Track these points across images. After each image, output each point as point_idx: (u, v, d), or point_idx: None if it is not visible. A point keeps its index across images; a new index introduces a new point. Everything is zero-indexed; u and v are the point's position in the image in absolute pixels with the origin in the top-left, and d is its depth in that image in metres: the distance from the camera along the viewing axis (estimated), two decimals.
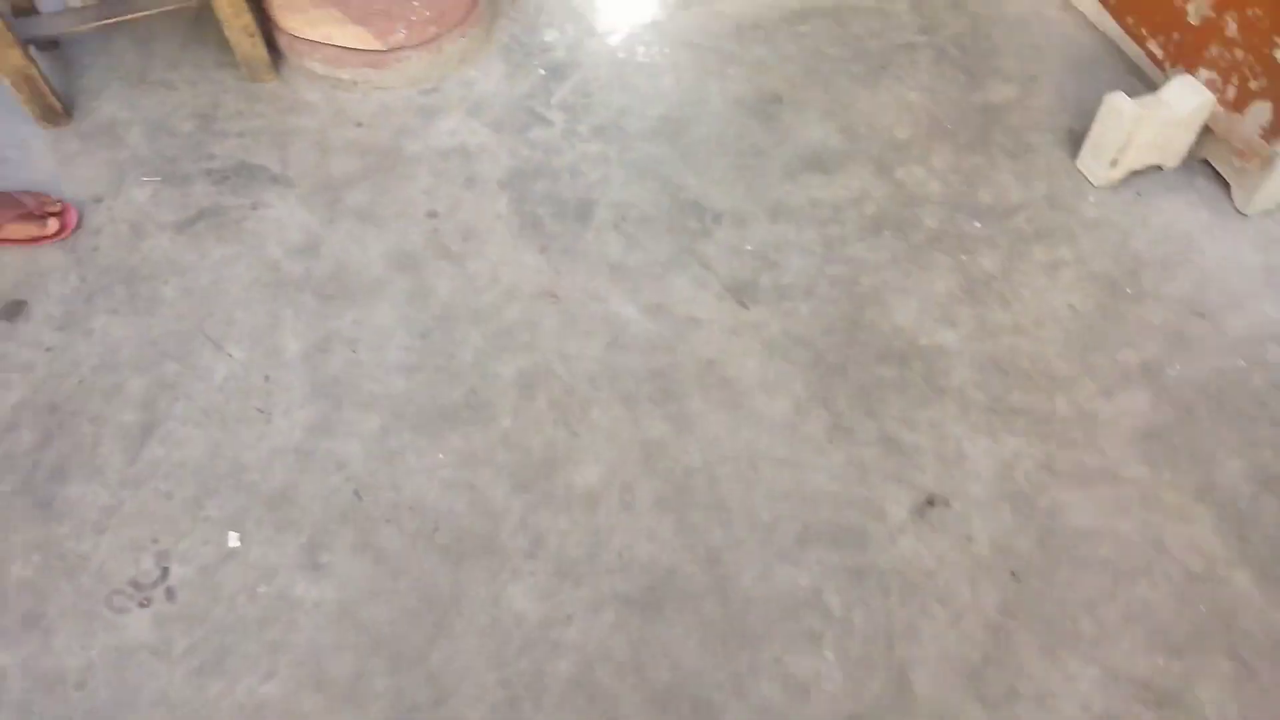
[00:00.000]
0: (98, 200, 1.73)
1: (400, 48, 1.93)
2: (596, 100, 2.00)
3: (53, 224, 1.67)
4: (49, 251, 1.65)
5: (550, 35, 2.11)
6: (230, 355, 1.55)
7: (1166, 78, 1.84)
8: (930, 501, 1.49)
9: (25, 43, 1.79)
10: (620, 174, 1.88)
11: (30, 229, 1.65)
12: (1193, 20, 1.79)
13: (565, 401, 1.55)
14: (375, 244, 1.72)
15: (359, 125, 1.91)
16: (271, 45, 1.98)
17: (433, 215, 1.78)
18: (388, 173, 1.83)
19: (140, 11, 1.82)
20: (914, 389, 1.60)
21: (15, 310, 1.57)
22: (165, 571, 1.32)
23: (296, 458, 1.45)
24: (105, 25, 1.82)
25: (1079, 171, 1.92)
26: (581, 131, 1.94)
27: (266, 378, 1.53)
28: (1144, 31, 1.97)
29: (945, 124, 2.01)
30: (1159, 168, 1.87)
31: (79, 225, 1.70)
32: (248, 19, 1.82)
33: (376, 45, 1.90)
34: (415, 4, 1.92)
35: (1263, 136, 1.72)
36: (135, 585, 1.30)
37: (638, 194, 1.85)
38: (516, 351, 1.60)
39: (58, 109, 1.81)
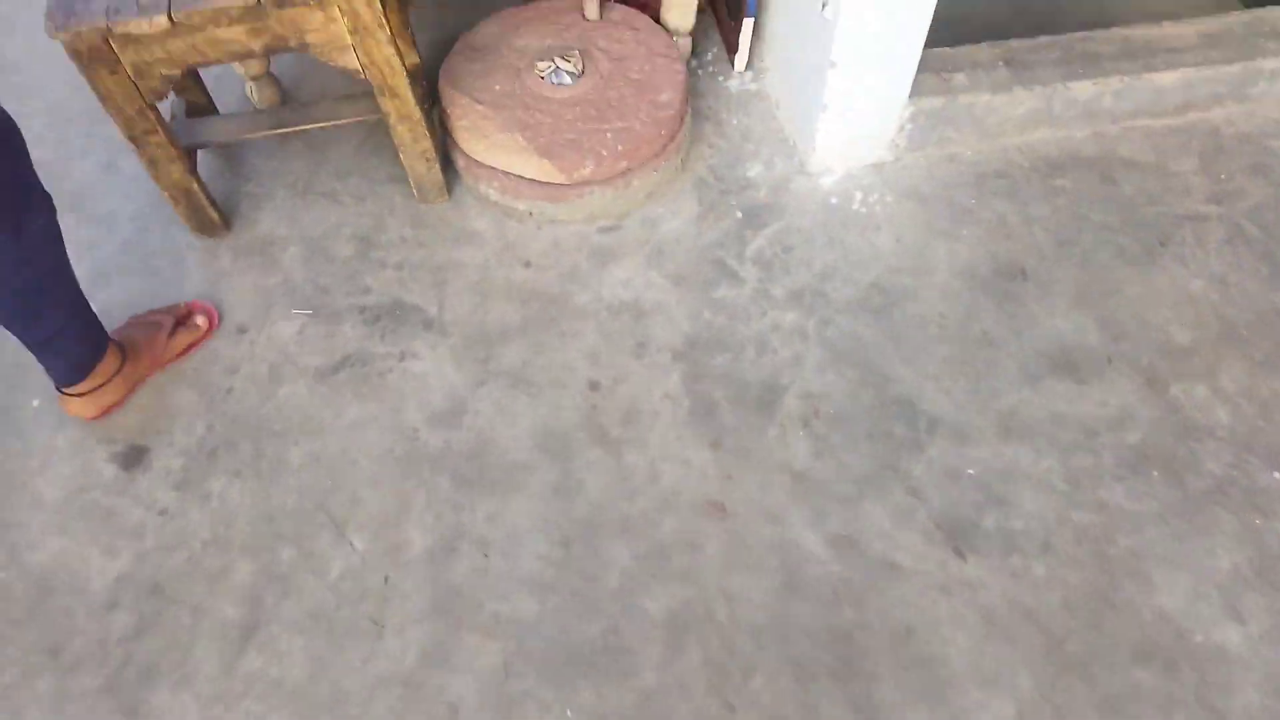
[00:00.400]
0: (242, 331, 1.64)
1: (585, 183, 1.76)
2: (798, 256, 1.76)
3: (200, 321, 1.62)
4: (182, 390, 1.57)
5: (754, 170, 1.90)
6: (351, 545, 1.40)
7: None
8: None
9: (195, 148, 1.75)
10: (816, 354, 1.63)
11: (185, 338, 1.60)
12: None
13: (722, 661, 1.30)
14: (524, 417, 1.54)
15: (526, 265, 1.75)
16: (447, 159, 1.86)
17: (594, 387, 1.59)
18: (550, 327, 1.66)
19: (317, 123, 1.74)
20: (1181, 709, 1.26)
21: (136, 458, 1.49)
22: None
23: (404, 692, 1.27)
24: (279, 134, 1.75)
25: None
26: (776, 295, 1.71)
27: (385, 579, 1.37)
28: None
29: (1239, 329, 1.64)
30: None
31: (221, 318, 1.64)
32: (427, 145, 1.70)
33: (559, 179, 1.74)
34: (608, 136, 1.75)
35: None
36: None
37: (835, 383, 1.59)
38: (670, 581, 1.37)
39: (215, 221, 1.75)
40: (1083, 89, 1.86)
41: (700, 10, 1.98)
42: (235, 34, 1.42)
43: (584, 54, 1.87)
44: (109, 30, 1.36)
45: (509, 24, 1.93)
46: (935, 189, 1.86)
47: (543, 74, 1.83)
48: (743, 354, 1.63)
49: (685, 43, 2.05)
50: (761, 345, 1.64)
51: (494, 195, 1.81)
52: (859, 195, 1.85)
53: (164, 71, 1.45)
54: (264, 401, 1.56)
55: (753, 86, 2.04)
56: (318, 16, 1.43)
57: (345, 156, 1.91)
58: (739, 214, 1.83)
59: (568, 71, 1.83)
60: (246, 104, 1.97)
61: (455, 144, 1.82)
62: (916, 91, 1.78)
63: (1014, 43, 1.89)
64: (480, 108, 1.78)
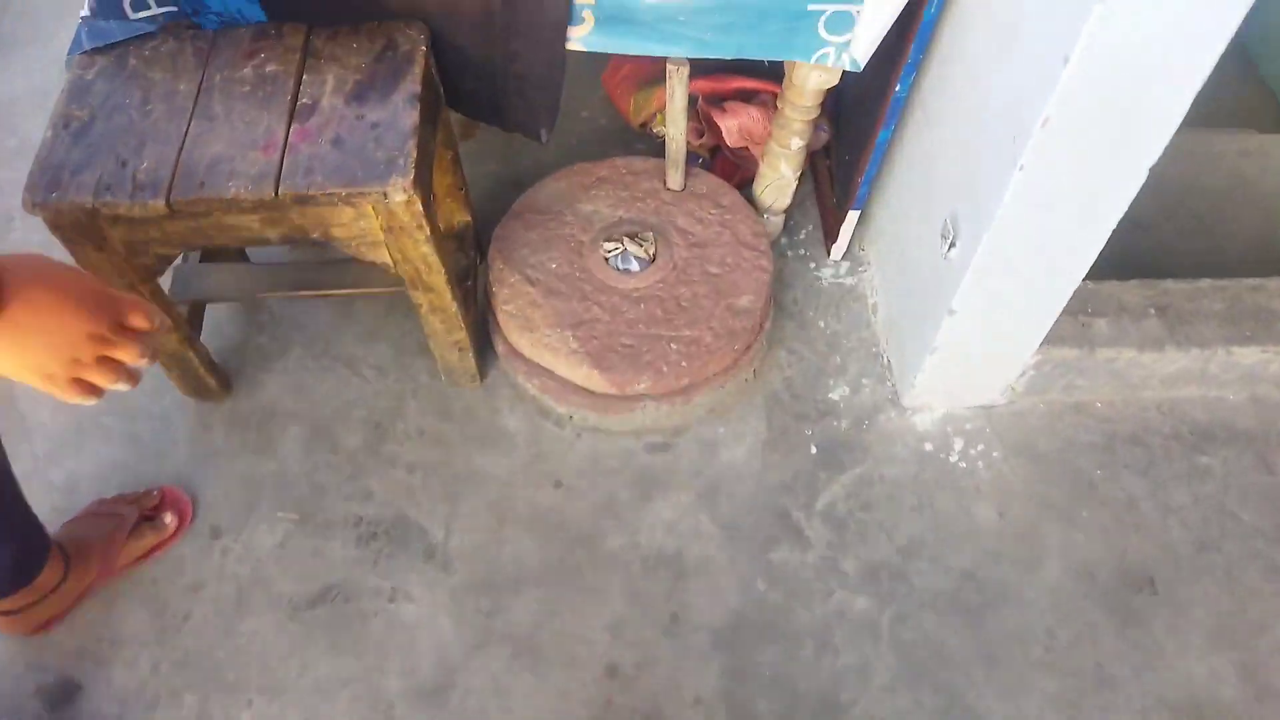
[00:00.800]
0: (216, 535, 1.44)
1: (638, 397, 1.53)
2: (878, 518, 1.51)
3: (169, 520, 1.42)
4: (134, 607, 1.37)
5: (838, 391, 1.65)
6: None
7: None
8: None
9: (200, 303, 1.57)
10: (889, 663, 1.37)
11: (149, 540, 1.40)
12: None
13: None
14: (523, 705, 1.31)
15: (557, 485, 1.53)
16: (485, 332, 1.65)
17: (611, 673, 1.35)
18: (572, 578, 1.43)
19: (342, 289, 1.54)
20: None
21: (65, 696, 1.29)
22: None
23: None
24: (300, 296, 1.55)
25: None
26: (847, 569, 1.46)
27: None
28: None
29: None
30: None
31: (195, 512, 1.46)
32: (461, 336, 1.49)
33: (609, 391, 1.52)
34: (672, 348, 1.52)
35: None
36: None
37: (908, 713, 1.33)
38: None
39: (212, 387, 1.56)
40: (1248, 354, 1.58)
41: (799, 174, 1.73)
42: (247, 222, 1.23)
43: (658, 232, 1.65)
44: (95, 211, 1.17)
45: (580, 183, 1.72)
46: (1054, 447, 1.60)
47: (608, 256, 1.61)
48: (799, 650, 1.38)
49: (777, 221, 1.81)
50: (823, 641, 1.39)
51: (532, 390, 1.59)
52: (960, 444, 1.59)
53: (160, 251, 1.26)
54: (223, 639, 1.35)
55: (848, 281, 1.80)
56: (346, 213, 1.22)
57: (374, 315, 1.70)
58: (813, 449, 1.58)
59: (637, 257, 1.61)
60: None
61: (497, 326, 1.60)
62: (1048, 337, 1.51)
63: (1170, 285, 1.62)
64: (531, 291, 1.57)
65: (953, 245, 1.35)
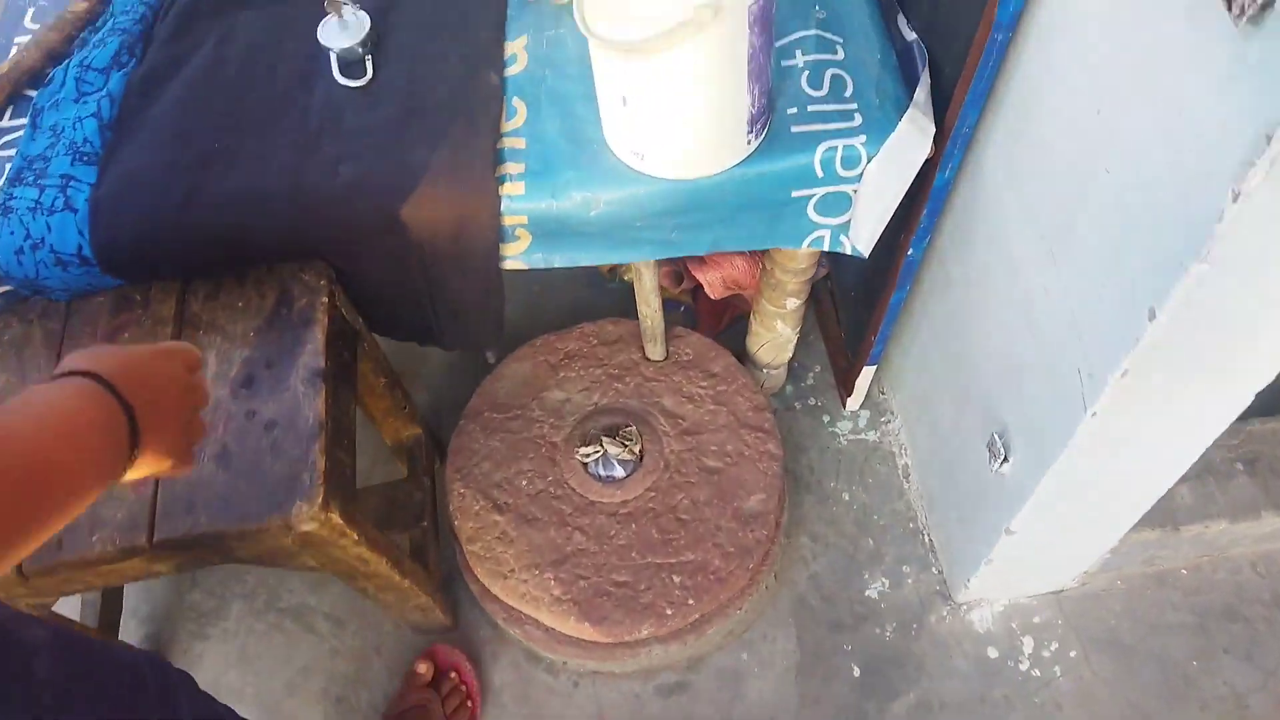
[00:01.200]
0: None
1: (640, 642, 1.30)
2: None
3: None
4: None
5: (875, 587, 1.41)
6: None
7: None
8: None
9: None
10: None
11: None
12: None
13: None
14: None
15: None
16: (453, 564, 1.41)
17: None
18: None
19: (274, 565, 1.29)
20: None
21: None
22: None
23: None
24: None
25: None
26: None
27: None
28: None
29: None
30: None
31: None
32: (422, 599, 1.26)
33: (605, 640, 1.28)
34: (674, 580, 1.28)
35: None
36: None
37: None
38: None
39: None
40: None
41: (799, 328, 1.48)
42: (126, 566, 0.99)
43: (642, 422, 1.40)
44: None
45: (545, 363, 1.48)
46: (1139, 634, 1.36)
47: (586, 461, 1.37)
48: None
49: (778, 374, 1.57)
50: None
51: (515, 634, 1.36)
52: (1029, 645, 1.35)
53: (33, 602, 1.03)
54: None
55: (870, 436, 1.55)
56: (247, 544, 0.98)
57: None
58: (856, 670, 1.35)
59: (620, 460, 1.37)
60: None
61: (466, 565, 1.37)
62: None
63: (1256, 426, 1.37)
64: (499, 521, 1.33)
65: (1005, 461, 1.11)
